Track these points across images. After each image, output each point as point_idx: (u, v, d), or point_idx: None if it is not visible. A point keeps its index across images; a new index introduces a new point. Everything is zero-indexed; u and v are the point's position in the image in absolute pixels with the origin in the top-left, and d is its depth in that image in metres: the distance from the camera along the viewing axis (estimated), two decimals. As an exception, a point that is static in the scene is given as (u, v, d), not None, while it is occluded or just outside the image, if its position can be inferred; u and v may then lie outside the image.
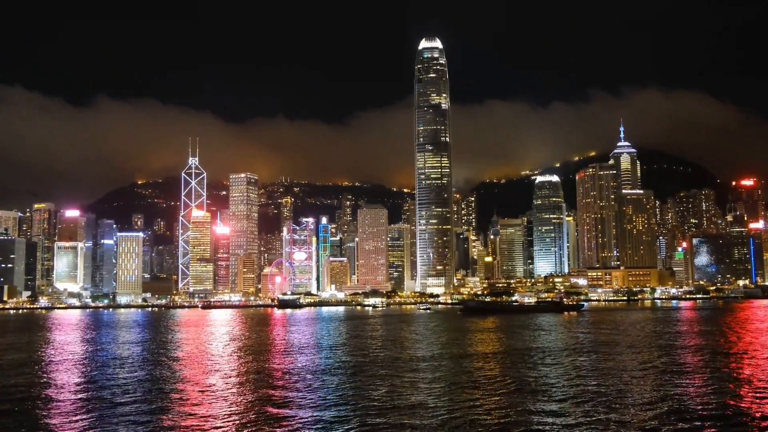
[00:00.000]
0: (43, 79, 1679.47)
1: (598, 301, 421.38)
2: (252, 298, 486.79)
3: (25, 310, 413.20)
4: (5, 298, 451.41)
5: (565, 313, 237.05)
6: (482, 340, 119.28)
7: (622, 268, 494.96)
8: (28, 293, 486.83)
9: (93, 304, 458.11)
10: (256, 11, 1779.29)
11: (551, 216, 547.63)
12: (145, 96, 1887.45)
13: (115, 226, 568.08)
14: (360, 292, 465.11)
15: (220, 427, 45.39)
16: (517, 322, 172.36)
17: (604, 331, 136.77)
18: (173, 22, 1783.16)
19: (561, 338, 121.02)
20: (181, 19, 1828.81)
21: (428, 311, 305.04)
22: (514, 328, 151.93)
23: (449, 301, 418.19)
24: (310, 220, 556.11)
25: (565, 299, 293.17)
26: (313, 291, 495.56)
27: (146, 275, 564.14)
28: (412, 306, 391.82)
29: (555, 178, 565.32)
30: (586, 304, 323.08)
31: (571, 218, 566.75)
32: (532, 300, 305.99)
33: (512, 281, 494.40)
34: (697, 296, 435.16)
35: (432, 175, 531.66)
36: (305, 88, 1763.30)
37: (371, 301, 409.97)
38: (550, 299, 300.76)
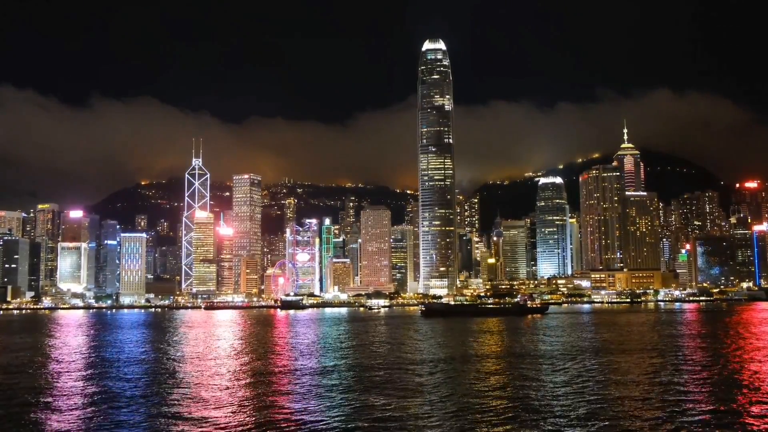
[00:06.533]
0: (35, 77, 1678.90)
1: (601, 303, 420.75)
2: (255, 299, 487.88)
3: (28, 311, 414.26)
4: (9, 299, 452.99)
5: (528, 316, 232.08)
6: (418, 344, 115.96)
7: (625, 270, 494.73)
8: (32, 294, 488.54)
9: (96, 305, 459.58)
10: (257, 11, 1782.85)
11: (554, 218, 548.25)
12: (140, 95, 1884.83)
13: (118, 226, 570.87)
14: (363, 293, 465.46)
15: (222, 428, 45.45)
16: (466, 325, 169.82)
17: (547, 338, 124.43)
18: (168, 19, 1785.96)
19: (491, 343, 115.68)
20: (177, 17, 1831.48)
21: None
22: (460, 331, 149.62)
23: (452, 303, 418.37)
24: (313, 221, 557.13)
25: (528, 302, 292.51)
26: (316, 292, 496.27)
27: (149, 276, 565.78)
28: (415, 307, 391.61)
29: (558, 180, 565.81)
30: (584, 306, 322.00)
31: (574, 220, 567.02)
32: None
33: (515, 283, 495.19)
34: (701, 298, 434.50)
35: (435, 177, 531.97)
36: (304, 88, 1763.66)
37: (370, 302, 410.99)
38: (515, 301, 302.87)
